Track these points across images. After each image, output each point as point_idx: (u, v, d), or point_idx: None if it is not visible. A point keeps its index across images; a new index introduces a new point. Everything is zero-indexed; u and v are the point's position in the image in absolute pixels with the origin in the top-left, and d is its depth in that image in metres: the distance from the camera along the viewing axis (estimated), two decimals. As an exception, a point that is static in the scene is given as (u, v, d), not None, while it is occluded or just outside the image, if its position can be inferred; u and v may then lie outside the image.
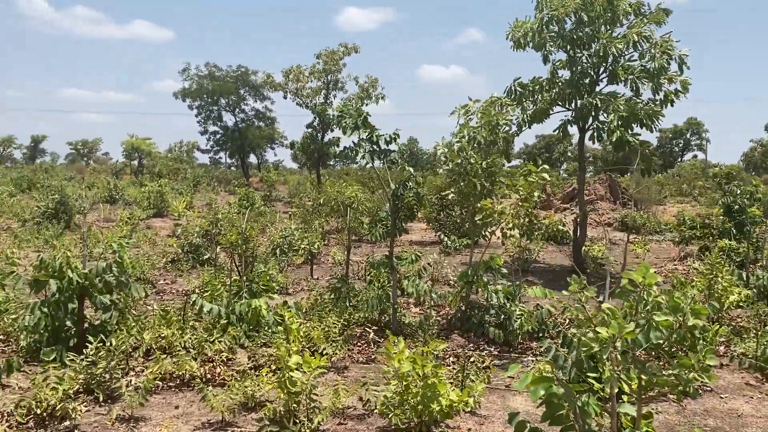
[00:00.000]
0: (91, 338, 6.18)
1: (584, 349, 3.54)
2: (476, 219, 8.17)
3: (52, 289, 6.76)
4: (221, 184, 52.22)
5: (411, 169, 8.21)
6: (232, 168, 77.48)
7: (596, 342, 3.45)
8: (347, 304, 9.03)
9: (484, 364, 6.91)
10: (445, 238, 15.33)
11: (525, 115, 14.05)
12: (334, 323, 7.67)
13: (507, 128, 11.36)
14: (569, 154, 73.10)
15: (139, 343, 6.85)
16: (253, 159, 69.60)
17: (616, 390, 3.58)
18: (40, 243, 15.38)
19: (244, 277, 8.69)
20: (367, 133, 7.95)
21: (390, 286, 9.95)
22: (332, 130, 35.88)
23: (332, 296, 9.29)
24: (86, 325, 7.20)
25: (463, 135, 9.10)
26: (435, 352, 7.09)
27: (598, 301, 4.72)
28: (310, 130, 35.98)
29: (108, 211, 24.71)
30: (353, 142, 8.11)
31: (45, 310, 6.80)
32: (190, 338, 7.02)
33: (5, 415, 5.37)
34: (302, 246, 14.17)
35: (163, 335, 7.12)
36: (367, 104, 34.62)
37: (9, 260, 9.57)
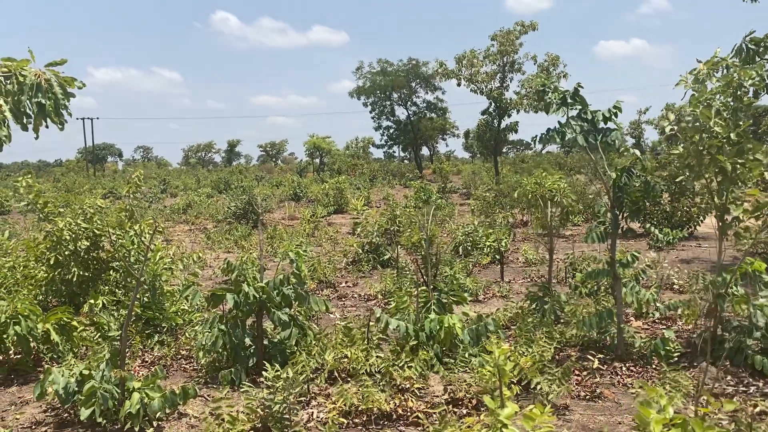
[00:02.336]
0: (270, 359, 5.47)
1: None
2: (734, 212, 6.20)
3: (230, 304, 6.16)
4: (396, 178, 52.68)
5: (637, 152, 6.47)
6: (405, 161, 78.36)
7: None
8: (553, 319, 7.55)
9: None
10: (655, 230, 13.02)
11: (762, 77, 11.28)
12: (544, 346, 6.23)
13: (753, 90, 8.97)
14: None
15: (320, 365, 6.02)
16: (425, 151, 69.61)
17: None
18: (230, 244, 15.78)
19: (431, 285, 7.56)
20: (577, 110, 6.37)
21: (606, 298, 8.25)
22: (509, 116, 33.92)
23: (534, 307, 7.85)
24: (265, 341, 6.56)
25: (700, 102, 7.09)
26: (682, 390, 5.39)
27: None
28: (485, 116, 34.34)
29: (293, 208, 25.42)
30: (558, 122, 6.58)
31: (222, 327, 6.25)
32: (376, 361, 6.04)
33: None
34: (488, 243, 12.82)
35: (346, 355, 6.24)
36: (546, 85, 32.01)
37: (198, 263, 9.48)
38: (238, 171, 61.42)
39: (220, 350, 6.31)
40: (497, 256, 12.54)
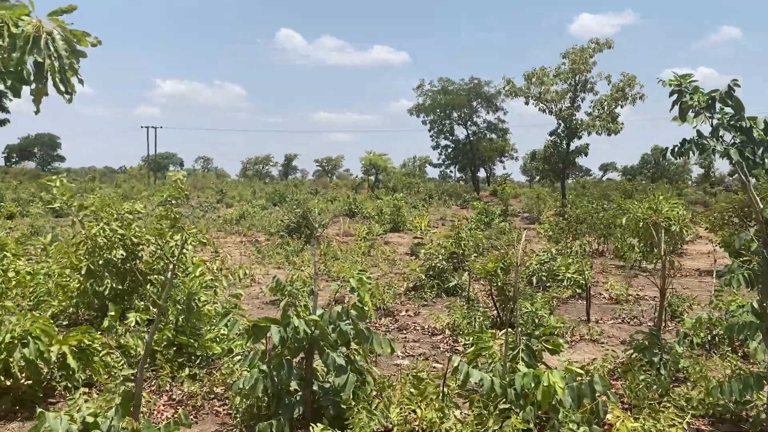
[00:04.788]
0: (320, 411, 4.26)
1: None
2: None
3: (275, 339, 4.97)
4: (452, 198, 51.26)
5: (806, 173, 4.99)
6: (461, 182, 76.79)
7: None
8: (668, 378, 6.07)
9: None
10: None
11: None
12: (674, 419, 4.79)
13: None
14: None
15: (383, 427, 4.75)
16: (481, 173, 67.87)
17: None
18: (281, 259, 14.77)
19: (518, 328, 6.19)
20: (729, 116, 4.95)
21: (732, 356, 6.71)
22: (579, 137, 32.04)
23: (642, 360, 6.38)
24: (314, 386, 5.35)
25: None
26: None
27: None
28: (553, 137, 32.61)
29: (347, 224, 24.38)
30: (697, 131, 5.18)
31: (264, 367, 5.07)
32: (455, 426, 4.73)
33: None
34: (567, 275, 11.32)
35: (414, 411, 4.96)
36: (621, 106, 30.17)
37: (244, 279, 8.42)
38: (293, 185, 61.28)
39: (260, 395, 5.13)
40: (578, 290, 11.03)
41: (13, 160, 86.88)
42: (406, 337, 8.45)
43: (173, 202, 9.04)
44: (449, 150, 58.23)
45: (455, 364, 5.13)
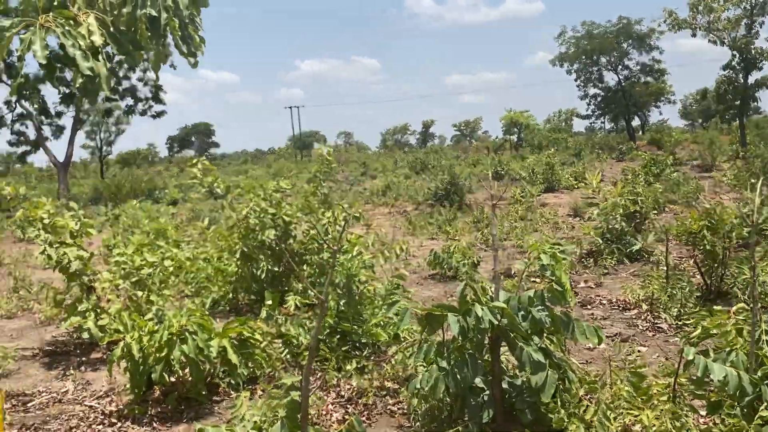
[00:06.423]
0: (513, 413, 3.35)
1: None
2: None
3: (453, 330, 4.11)
4: (604, 151, 47.56)
5: None
6: (612, 133, 71.36)
7: None
8: None
9: None
10: None
11: None
12: None
13: None
14: None
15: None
16: (634, 121, 62.35)
17: None
18: (433, 229, 13.99)
19: (757, 304, 4.79)
20: None
21: None
22: (760, 68, 27.71)
23: None
24: (504, 384, 4.43)
25: None
26: None
27: None
28: (726, 72, 28.50)
29: (495, 188, 23.09)
30: None
31: (443, 363, 4.23)
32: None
33: None
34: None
35: (640, 420, 3.88)
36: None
37: (402, 256, 7.70)
38: (433, 151, 60.48)
39: (443, 396, 4.32)
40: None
41: (175, 149, 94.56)
42: (592, 314, 7.26)
43: (321, 177, 8.52)
44: (599, 99, 54.04)
45: (689, 356, 3.95)
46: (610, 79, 51.92)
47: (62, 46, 2.39)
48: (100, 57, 2.47)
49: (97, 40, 2.36)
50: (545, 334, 4.51)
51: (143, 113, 37.85)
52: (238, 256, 7.66)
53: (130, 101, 37.13)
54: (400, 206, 20.37)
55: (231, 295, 8.04)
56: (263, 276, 7.56)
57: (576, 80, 52.60)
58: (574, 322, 4.24)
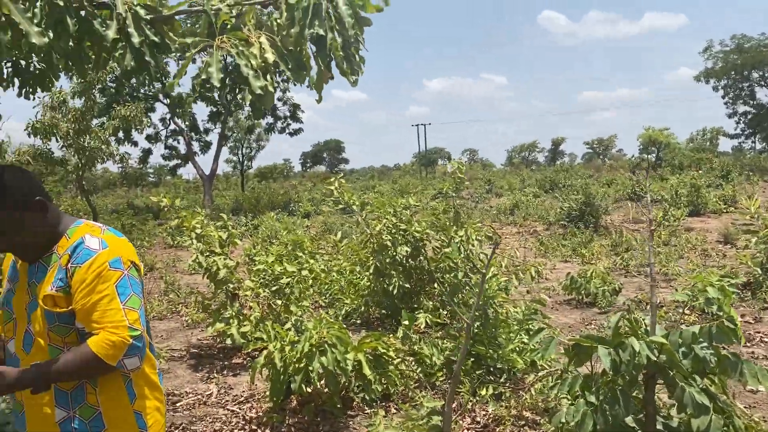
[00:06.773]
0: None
1: None
2: None
3: (605, 364, 3.83)
4: (755, 173, 43.34)
5: None
6: (763, 154, 65.03)
7: None
8: None
9: None
10: None
11: None
12: None
13: None
14: None
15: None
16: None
17: None
18: (567, 252, 13.39)
19: None
20: None
21: None
22: None
23: None
24: (659, 425, 4.05)
25: None
26: None
27: None
28: None
29: (633, 209, 21.76)
30: None
31: (592, 398, 3.95)
32: None
33: None
34: None
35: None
36: None
37: (535, 276, 7.40)
38: (563, 170, 58.39)
39: (588, 433, 4.03)
40: None
41: (308, 165, 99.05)
42: (753, 353, 6.54)
43: (453, 194, 8.43)
44: (749, 117, 49.63)
45: None
46: (763, 95, 47.84)
47: (237, 66, 2.50)
48: (269, 76, 2.56)
49: (270, 57, 2.45)
50: (707, 374, 4.09)
51: (282, 131, 40.07)
52: (371, 270, 7.74)
53: (270, 119, 39.47)
54: (529, 226, 19.78)
55: (362, 308, 8.15)
56: (395, 291, 7.58)
57: (724, 97, 48.79)
58: (743, 363, 3.80)
